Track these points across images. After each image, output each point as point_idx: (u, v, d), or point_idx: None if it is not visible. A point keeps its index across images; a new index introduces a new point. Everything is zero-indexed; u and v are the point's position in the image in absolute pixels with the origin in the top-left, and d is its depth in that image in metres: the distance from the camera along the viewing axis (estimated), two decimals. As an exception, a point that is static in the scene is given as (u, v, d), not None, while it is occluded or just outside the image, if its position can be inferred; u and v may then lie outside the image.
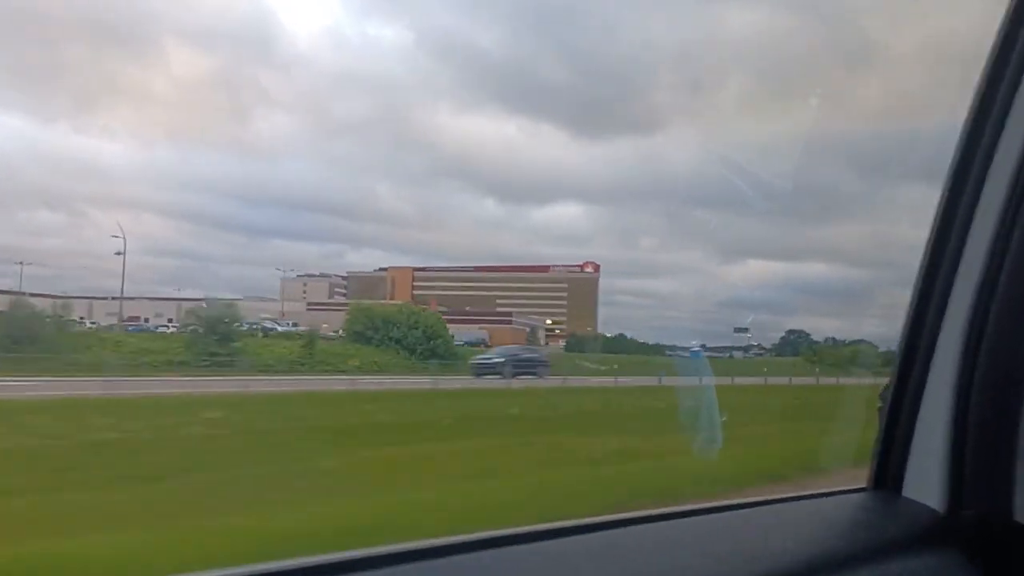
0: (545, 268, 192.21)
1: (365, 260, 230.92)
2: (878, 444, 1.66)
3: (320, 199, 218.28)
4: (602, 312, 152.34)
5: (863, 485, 1.66)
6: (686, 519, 1.45)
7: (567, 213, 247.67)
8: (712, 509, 1.52)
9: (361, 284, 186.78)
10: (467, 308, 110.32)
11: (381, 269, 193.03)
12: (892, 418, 1.63)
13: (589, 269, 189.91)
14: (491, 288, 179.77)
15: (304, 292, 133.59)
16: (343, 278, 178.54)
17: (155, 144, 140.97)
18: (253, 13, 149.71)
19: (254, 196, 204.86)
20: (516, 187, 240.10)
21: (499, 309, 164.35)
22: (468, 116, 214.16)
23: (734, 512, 1.55)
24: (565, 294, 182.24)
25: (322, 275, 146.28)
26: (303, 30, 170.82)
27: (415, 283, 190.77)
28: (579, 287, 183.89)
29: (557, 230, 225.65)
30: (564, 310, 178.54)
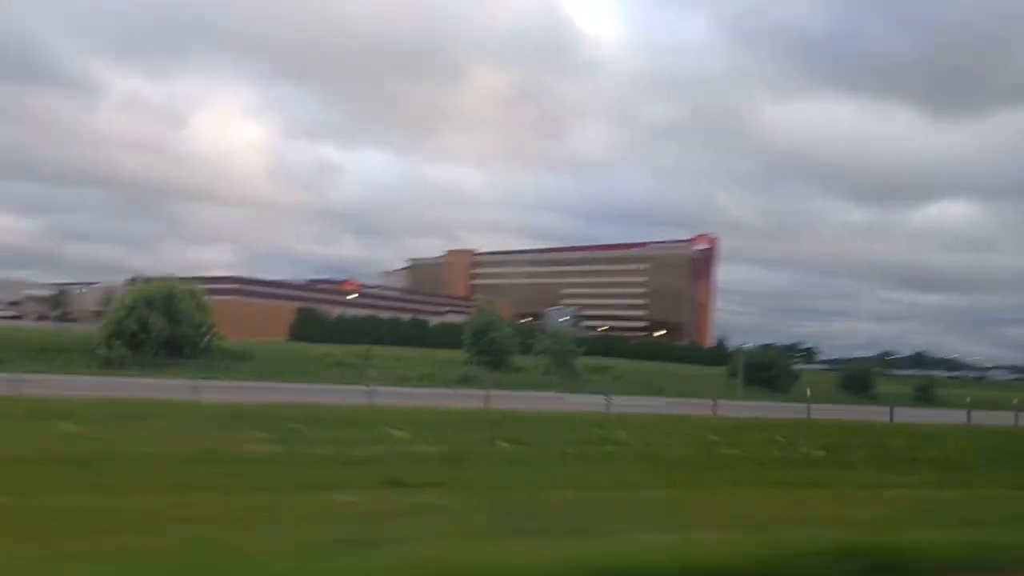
0: (632, 246, 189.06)
1: (723, 274, 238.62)
2: None
3: (662, 212, 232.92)
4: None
5: None
6: None
7: (954, 213, 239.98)
8: None
9: (423, 274, 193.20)
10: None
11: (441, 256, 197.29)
12: None
13: (702, 244, 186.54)
14: (560, 273, 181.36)
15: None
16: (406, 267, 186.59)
17: (492, 167, 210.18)
18: (550, 23, 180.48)
19: (598, 212, 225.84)
20: (876, 184, 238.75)
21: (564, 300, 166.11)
22: (796, 103, 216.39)
23: None
24: (645, 278, 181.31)
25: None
26: (602, 34, 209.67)
27: (475, 270, 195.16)
28: (665, 268, 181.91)
29: (945, 234, 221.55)
30: (643, 299, 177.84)
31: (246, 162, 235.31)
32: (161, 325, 34.66)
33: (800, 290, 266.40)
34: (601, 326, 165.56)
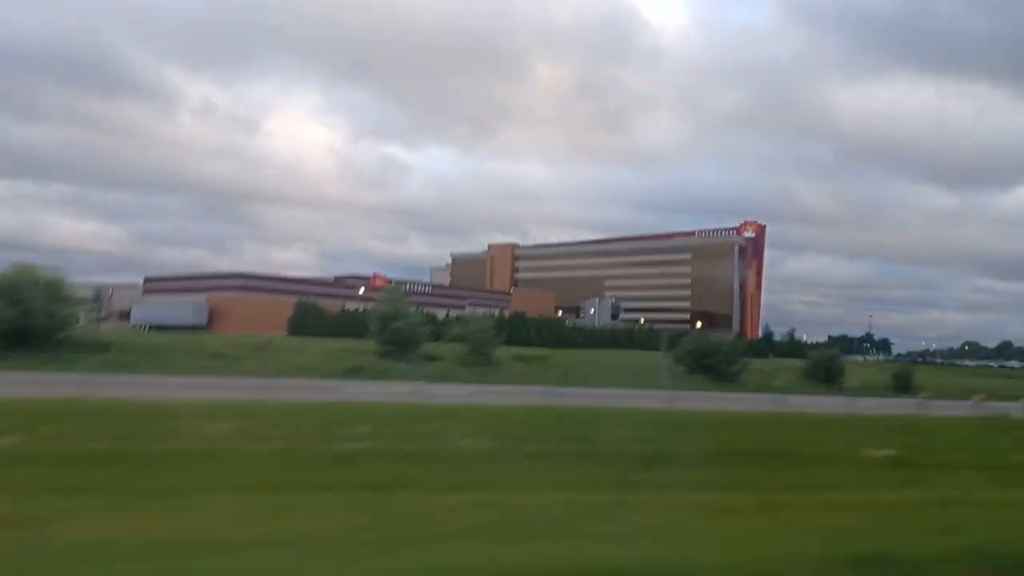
0: (676, 235, 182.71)
1: (800, 266, 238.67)
2: None
3: (733, 202, 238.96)
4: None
5: None
6: None
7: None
8: None
9: (466, 269, 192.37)
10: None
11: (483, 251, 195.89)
12: None
13: (749, 232, 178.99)
14: (603, 265, 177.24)
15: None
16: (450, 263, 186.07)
17: (558, 161, 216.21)
18: (611, 13, 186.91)
19: (666, 204, 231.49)
20: (959, 167, 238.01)
21: (607, 292, 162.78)
22: (869, 86, 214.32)
23: None
24: (689, 268, 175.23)
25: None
26: (666, 22, 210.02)
27: (517, 263, 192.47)
28: (709, 258, 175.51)
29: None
30: (687, 290, 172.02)
31: (316, 164, 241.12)
32: (4, 316, 33.04)
33: (880, 280, 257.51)
34: (645, 318, 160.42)
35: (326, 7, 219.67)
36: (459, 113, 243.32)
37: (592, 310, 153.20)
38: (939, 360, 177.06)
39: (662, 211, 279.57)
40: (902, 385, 46.84)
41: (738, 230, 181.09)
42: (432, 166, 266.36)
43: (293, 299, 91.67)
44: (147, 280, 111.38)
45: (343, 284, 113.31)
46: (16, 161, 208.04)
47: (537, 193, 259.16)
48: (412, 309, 43.50)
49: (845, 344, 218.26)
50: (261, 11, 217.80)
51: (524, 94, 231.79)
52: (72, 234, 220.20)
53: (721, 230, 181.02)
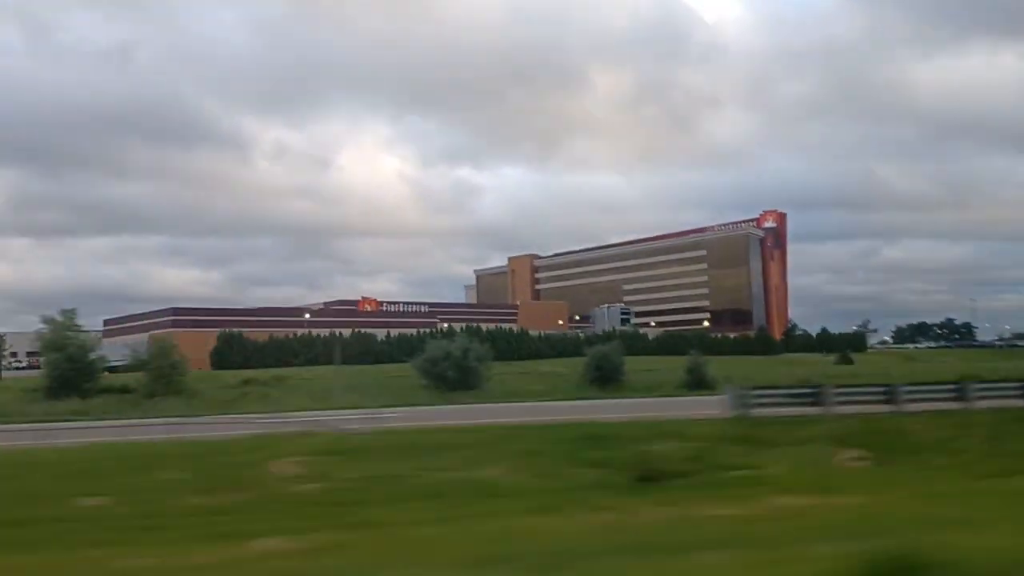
0: (692, 232, 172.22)
1: (897, 253, 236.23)
2: None
3: (813, 193, 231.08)
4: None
5: None
6: None
7: None
8: None
9: (489, 284, 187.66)
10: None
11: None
12: None
13: (770, 222, 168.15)
14: (620, 269, 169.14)
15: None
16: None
17: (629, 168, 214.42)
18: (667, 14, 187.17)
19: (745, 202, 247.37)
20: None
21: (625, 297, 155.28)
22: (947, 57, 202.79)
23: None
24: (705, 265, 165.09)
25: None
26: (723, 16, 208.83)
27: (537, 275, 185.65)
28: (725, 254, 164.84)
29: None
30: (705, 288, 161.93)
31: (392, 194, 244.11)
32: None
33: (987, 260, 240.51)
34: (661, 320, 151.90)
35: (383, 41, 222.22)
36: (525, 129, 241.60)
37: (590, 317, 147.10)
38: (998, 343, 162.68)
39: (743, 209, 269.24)
40: (697, 382, 39.07)
41: (757, 221, 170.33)
42: (504, 184, 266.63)
43: (215, 331, 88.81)
44: (106, 323, 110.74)
45: (291, 312, 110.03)
46: (113, 218, 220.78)
47: (612, 202, 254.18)
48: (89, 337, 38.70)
49: (924, 331, 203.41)
50: (321, 52, 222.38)
51: (588, 104, 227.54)
52: (174, 282, 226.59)
53: (739, 223, 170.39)
